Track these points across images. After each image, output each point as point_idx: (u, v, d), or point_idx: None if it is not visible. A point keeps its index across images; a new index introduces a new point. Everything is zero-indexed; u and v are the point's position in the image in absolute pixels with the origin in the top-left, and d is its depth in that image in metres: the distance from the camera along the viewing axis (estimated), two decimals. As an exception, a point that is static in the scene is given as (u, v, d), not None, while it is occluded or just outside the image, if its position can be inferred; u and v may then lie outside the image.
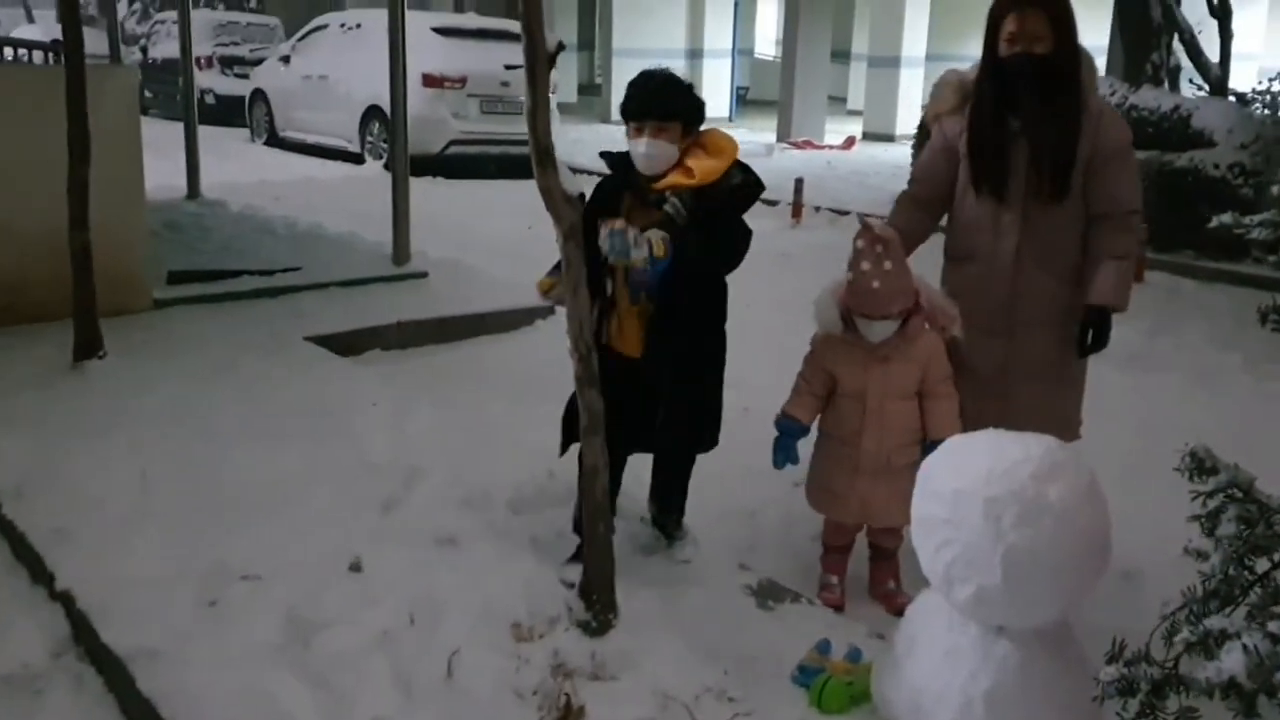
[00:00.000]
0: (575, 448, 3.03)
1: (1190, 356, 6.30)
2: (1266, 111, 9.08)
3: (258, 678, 2.52)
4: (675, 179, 2.85)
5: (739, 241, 2.94)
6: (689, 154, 2.89)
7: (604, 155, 3.05)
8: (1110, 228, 3.23)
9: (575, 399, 2.95)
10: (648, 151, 2.86)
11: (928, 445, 3.16)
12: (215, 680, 2.51)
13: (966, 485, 2.15)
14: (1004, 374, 3.38)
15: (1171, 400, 5.43)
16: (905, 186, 3.66)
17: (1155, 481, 4.16)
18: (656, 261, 2.79)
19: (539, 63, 2.29)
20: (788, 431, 3.21)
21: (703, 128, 2.98)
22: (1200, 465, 1.83)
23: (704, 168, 2.84)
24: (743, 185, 2.90)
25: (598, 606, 2.66)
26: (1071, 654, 2.26)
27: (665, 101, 2.89)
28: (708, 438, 3.18)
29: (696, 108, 2.95)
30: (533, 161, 2.39)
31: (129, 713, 2.60)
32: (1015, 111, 3.23)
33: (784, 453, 3.20)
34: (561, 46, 2.33)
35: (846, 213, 10.25)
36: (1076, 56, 3.22)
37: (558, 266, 2.97)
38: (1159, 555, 3.38)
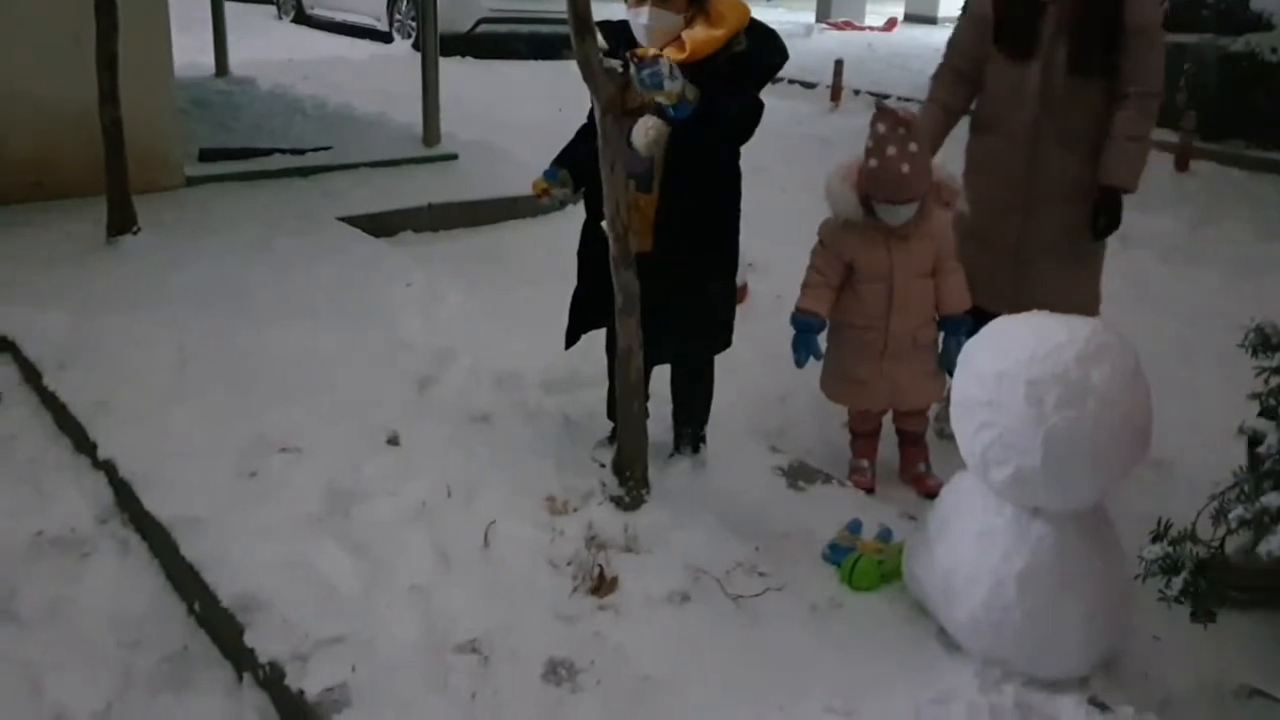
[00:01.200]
0: (589, 336, 3.01)
1: (1234, 247, 6.17)
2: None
3: (299, 545, 2.57)
4: (668, 54, 2.56)
5: (742, 117, 2.65)
6: (692, 25, 2.61)
7: (602, 25, 2.62)
8: (1128, 107, 3.19)
9: (580, 289, 2.94)
10: (649, 22, 2.59)
11: (942, 322, 3.19)
12: (257, 547, 2.56)
13: (1009, 367, 2.12)
14: (1019, 249, 3.38)
15: (1213, 291, 5.34)
16: (942, 59, 3.58)
17: (1192, 372, 4.15)
18: (686, 104, 2.51)
19: (578, -73, 2.20)
20: (806, 327, 3.17)
21: None
22: (1265, 341, 1.78)
23: (696, 39, 2.56)
24: (747, 54, 2.61)
25: (631, 482, 2.68)
26: (1106, 537, 2.26)
27: None
28: (720, 339, 2.99)
29: None
30: (571, 31, 2.31)
31: (173, 577, 2.67)
32: None
33: (805, 349, 3.17)
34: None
35: (887, 96, 10.01)
36: None
37: (555, 164, 2.87)
38: (1191, 444, 3.38)
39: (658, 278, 2.63)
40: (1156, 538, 1.77)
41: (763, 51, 2.66)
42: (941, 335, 3.23)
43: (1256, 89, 8.36)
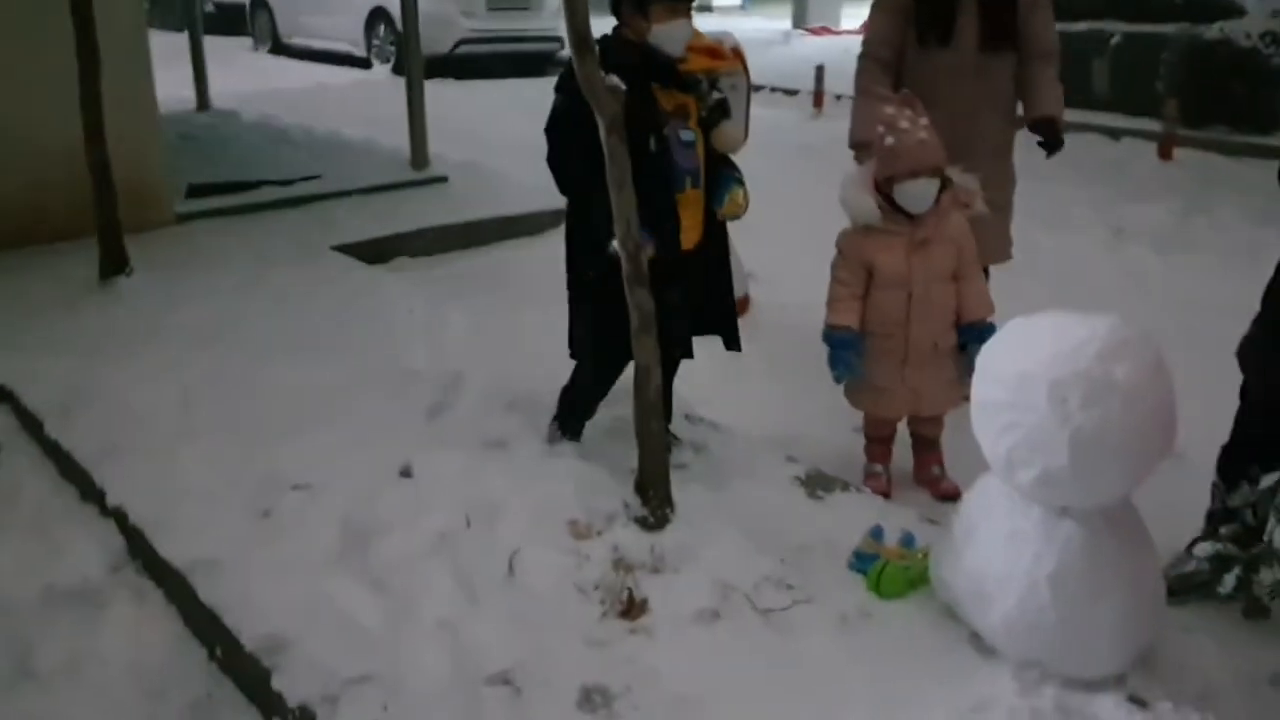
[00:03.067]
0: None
1: (1226, 234, 6.18)
2: (1300, -25, 8.74)
3: (319, 584, 2.54)
4: (707, 62, 2.81)
5: None
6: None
7: (612, 42, 2.73)
8: (1043, 60, 3.77)
9: (575, 309, 2.96)
10: (688, 34, 2.80)
11: (963, 329, 3.17)
12: (277, 588, 2.53)
13: (1030, 367, 2.11)
14: None
15: (1210, 278, 5.34)
16: (863, 53, 3.86)
17: (1197, 361, 4.12)
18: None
19: (575, -54, 2.19)
20: (841, 343, 3.15)
21: None
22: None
23: (717, 48, 2.89)
24: None
25: (654, 502, 2.66)
26: (1136, 532, 2.24)
27: None
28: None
29: None
30: (571, 50, 2.30)
31: (192, 623, 2.63)
32: None
33: (843, 364, 3.16)
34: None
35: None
36: None
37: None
38: (1203, 434, 3.35)
39: (710, 263, 2.96)
40: (1206, 536, 1.74)
41: None
42: (964, 343, 3.19)
43: (1233, 75, 8.41)
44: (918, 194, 3.07)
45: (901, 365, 3.16)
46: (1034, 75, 3.79)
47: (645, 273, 2.51)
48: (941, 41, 3.68)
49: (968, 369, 3.04)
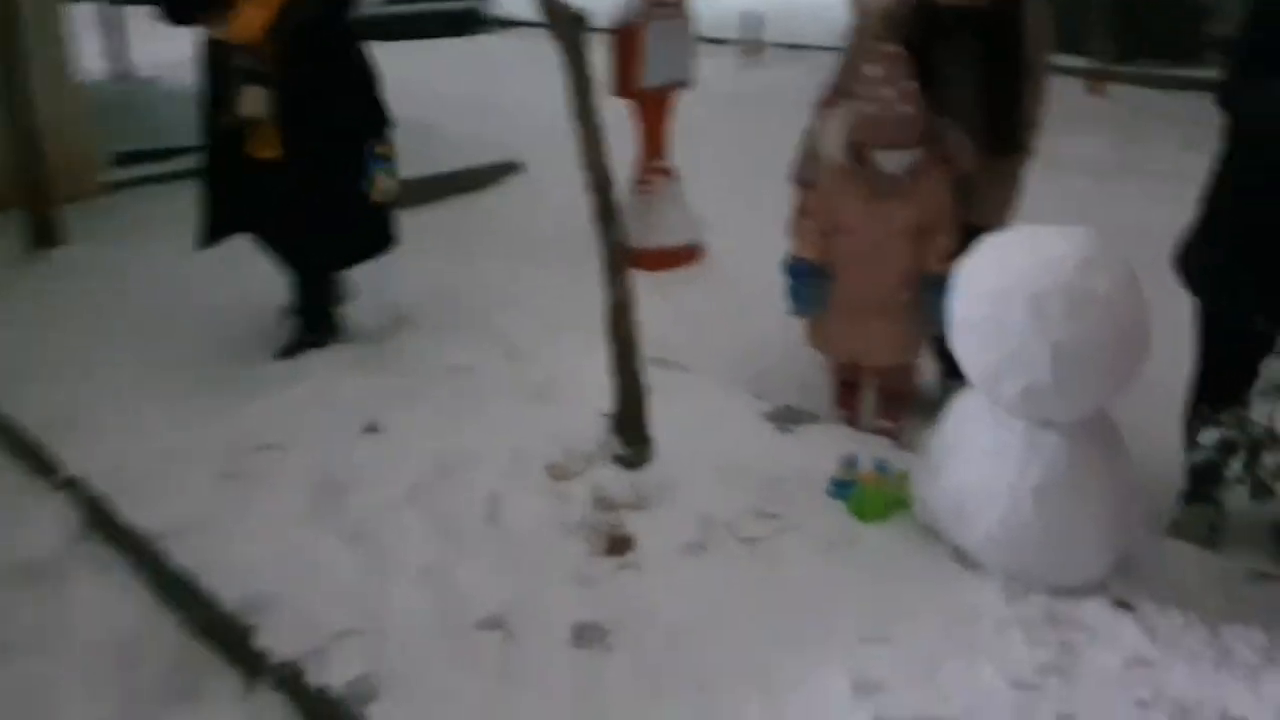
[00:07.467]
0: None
1: (1162, 162, 6.28)
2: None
3: (295, 541, 2.49)
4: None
5: None
6: None
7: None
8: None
9: (217, 189, 3.43)
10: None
11: (922, 277, 2.97)
12: (252, 548, 2.47)
13: (1010, 283, 2.11)
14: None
15: (1150, 204, 5.41)
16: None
17: (1149, 282, 4.22)
18: None
19: None
20: (799, 273, 3.01)
21: None
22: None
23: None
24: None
25: (633, 440, 2.63)
26: (1114, 442, 2.27)
27: None
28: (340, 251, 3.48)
29: None
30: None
31: (165, 589, 2.56)
32: (946, 56, 2.95)
33: (800, 298, 3.04)
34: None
35: (805, 47, 9.98)
36: (1021, 8, 2.98)
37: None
38: (1159, 354, 3.42)
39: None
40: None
41: None
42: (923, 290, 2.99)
43: (1160, 11, 8.55)
44: (893, 161, 2.86)
45: (847, 311, 3.05)
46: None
47: (614, 207, 2.47)
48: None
49: (925, 319, 2.91)
